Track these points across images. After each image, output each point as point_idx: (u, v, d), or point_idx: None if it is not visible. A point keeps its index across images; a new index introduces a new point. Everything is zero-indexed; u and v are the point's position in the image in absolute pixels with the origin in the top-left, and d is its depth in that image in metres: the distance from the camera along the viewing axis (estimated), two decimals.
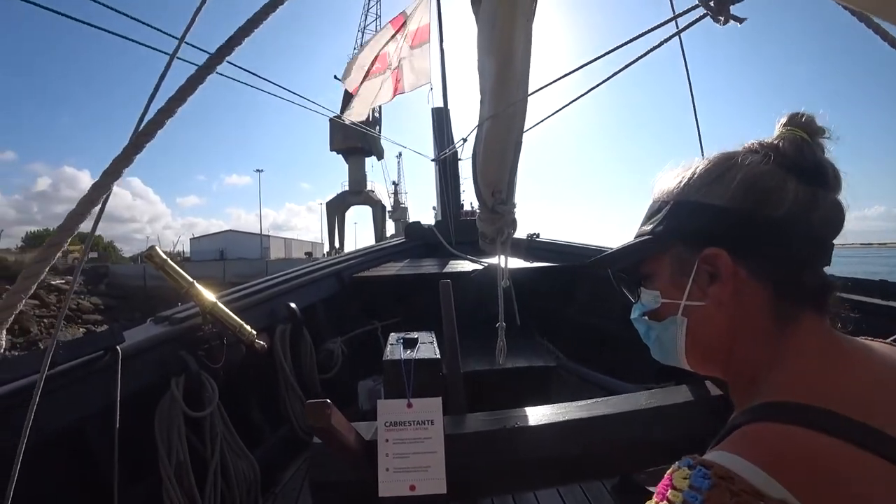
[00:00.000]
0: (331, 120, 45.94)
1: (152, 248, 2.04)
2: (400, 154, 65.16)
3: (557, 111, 1.86)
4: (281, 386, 2.61)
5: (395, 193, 60.92)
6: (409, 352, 1.40)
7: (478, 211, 1.97)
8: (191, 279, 2.09)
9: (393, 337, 1.61)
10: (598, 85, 1.51)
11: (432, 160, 5.53)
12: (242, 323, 2.18)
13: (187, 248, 51.48)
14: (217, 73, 0.65)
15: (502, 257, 1.88)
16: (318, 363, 2.87)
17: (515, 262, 3.48)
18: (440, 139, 5.28)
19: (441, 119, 5.32)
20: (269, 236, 52.14)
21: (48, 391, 1.49)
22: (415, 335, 1.56)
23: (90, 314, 26.80)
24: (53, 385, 1.53)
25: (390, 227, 54.76)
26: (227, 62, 0.65)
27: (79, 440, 1.64)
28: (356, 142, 40.39)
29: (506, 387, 2.39)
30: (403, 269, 3.73)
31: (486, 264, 3.51)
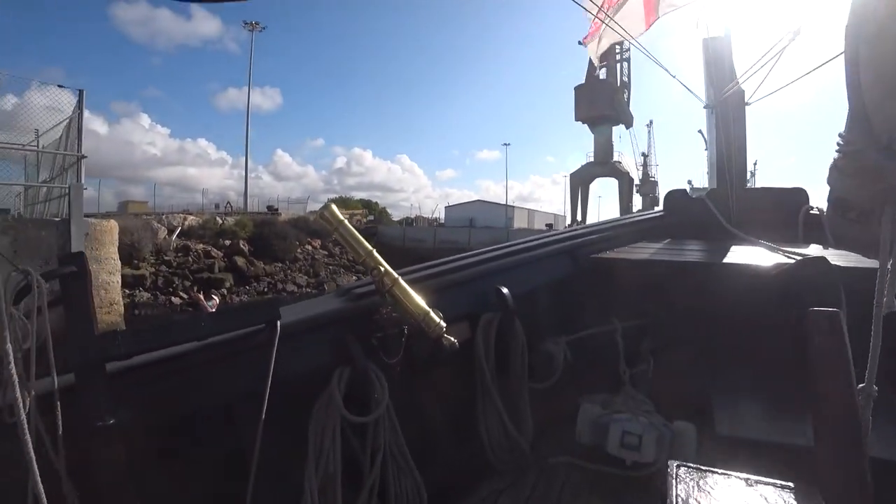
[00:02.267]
0: (576, 88, 44.53)
1: (328, 205, 1.69)
2: (650, 122, 59.54)
3: None
4: (477, 392, 1.98)
5: (644, 165, 56.12)
6: None
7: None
8: (369, 247, 1.69)
9: None
10: None
11: (705, 106, 4.15)
12: (429, 310, 1.69)
13: (442, 216, 57.02)
14: None
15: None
16: (530, 368, 2.14)
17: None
18: (718, 77, 3.92)
19: (720, 51, 3.93)
20: (513, 207, 54.06)
21: (202, 362, 1.38)
22: None
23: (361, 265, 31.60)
24: (207, 357, 1.39)
25: (637, 203, 51.04)
26: None
27: (224, 421, 1.44)
28: (603, 109, 37.82)
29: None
30: (660, 253, 2.70)
31: (802, 257, 2.19)
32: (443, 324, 1.69)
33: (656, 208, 3.95)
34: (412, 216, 56.97)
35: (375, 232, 37.70)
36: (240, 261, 24.96)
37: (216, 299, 7.83)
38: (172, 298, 21.12)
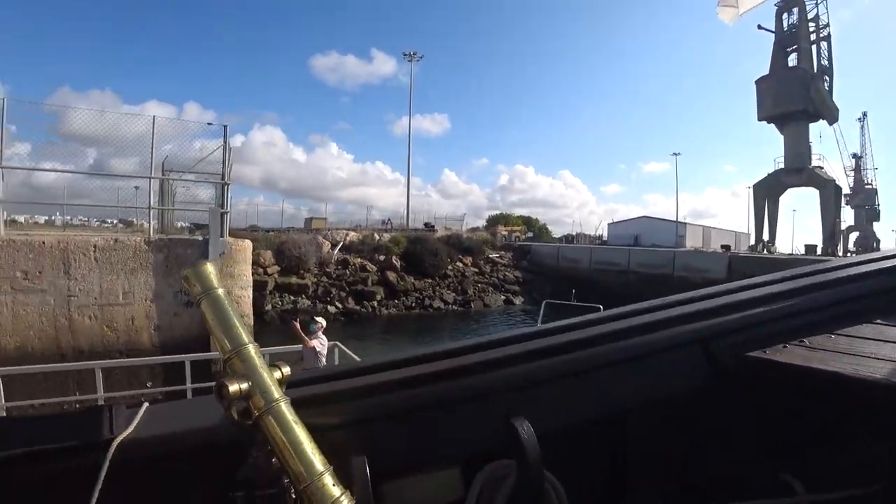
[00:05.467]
0: (758, 82, 38.31)
1: (198, 266, 0.95)
2: (864, 115, 48.47)
3: None
4: None
5: (856, 170, 46.03)
6: None
7: None
8: (245, 338, 0.89)
9: None
10: None
11: None
12: (321, 470, 0.84)
13: (605, 233, 54.13)
14: None
15: None
16: None
17: None
18: None
19: None
20: (684, 223, 48.76)
21: None
22: None
23: (511, 284, 31.25)
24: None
25: (849, 217, 42.09)
26: None
27: None
28: (794, 104, 31.75)
29: None
30: None
31: None
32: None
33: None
34: (573, 233, 55.34)
35: (529, 250, 37.11)
36: (391, 275, 26.47)
37: (322, 322, 7.43)
38: (328, 307, 23.27)
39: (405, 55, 48.08)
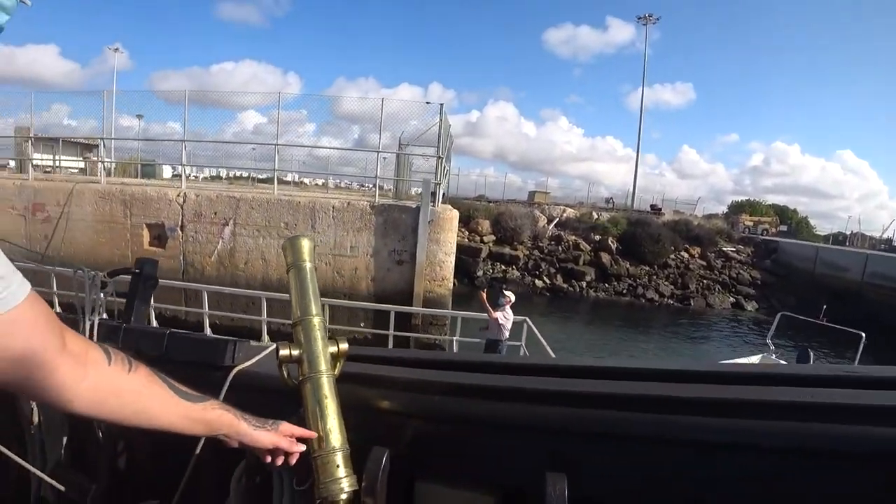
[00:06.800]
0: None
1: (297, 238, 1.11)
2: None
3: None
4: None
5: None
6: None
7: None
8: (313, 310, 0.98)
9: None
10: None
11: None
12: (335, 446, 0.91)
13: None
14: None
15: None
16: None
17: None
18: None
19: None
20: None
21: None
22: None
23: (745, 286, 26.74)
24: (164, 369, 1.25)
25: None
26: None
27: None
28: None
29: None
30: None
31: None
32: (344, 487, 0.87)
33: None
34: (847, 232, 44.31)
35: (776, 247, 31.27)
36: (605, 257, 25.49)
37: (510, 297, 6.94)
38: (536, 281, 23.75)
39: (639, 18, 43.36)
